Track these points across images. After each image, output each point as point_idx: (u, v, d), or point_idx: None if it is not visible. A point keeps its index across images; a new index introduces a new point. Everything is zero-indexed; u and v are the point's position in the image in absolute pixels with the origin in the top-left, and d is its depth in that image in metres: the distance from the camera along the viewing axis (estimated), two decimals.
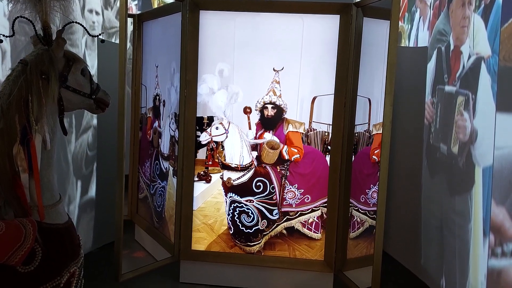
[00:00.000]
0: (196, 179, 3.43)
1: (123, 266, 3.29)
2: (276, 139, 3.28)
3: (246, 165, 3.34)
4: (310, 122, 3.27)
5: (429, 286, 3.34)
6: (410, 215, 3.71)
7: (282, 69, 3.24)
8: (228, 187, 3.39)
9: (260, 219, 3.36)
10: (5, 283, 1.81)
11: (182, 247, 3.47)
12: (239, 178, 3.36)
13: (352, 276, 3.34)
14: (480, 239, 2.64)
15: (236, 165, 3.36)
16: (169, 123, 3.68)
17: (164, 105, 3.77)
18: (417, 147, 3.59)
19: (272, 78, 3.25)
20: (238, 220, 3.39)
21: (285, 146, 3.28)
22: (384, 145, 2.83)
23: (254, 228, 3.38)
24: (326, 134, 3.27)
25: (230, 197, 3.39)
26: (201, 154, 3.42)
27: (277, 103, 3.27)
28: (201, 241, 3.46)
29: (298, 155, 3.27)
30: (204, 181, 3.43)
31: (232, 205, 3.39)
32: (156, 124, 3.89)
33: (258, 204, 3.35)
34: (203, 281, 3.51)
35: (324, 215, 3.32)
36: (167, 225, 3.72)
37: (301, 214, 3.34)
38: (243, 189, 3.37)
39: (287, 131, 3.28)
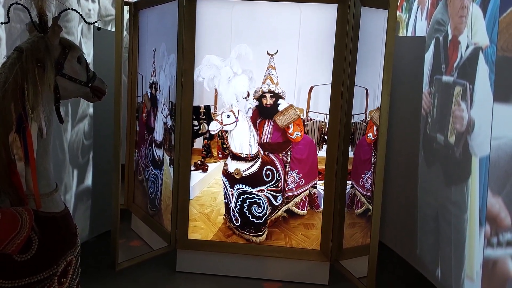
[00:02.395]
0: (192, 168, 3.42)
1: (120, 255, 3.29)
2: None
3: (255, 154, 3.32)
4: (307, 112, 3.26)
5: (425, 276, 3.36)
6: (406, 205, 3.72)
7: (276, 52, 3.21)
8: (237, 179, 3.36)
9: (268, 206, 3.36)
10: (1, 272, 1.80)
11: (178, 236, 3.47)
12: (248, 168, 3.33)
13: (348, 265, 3.36)
14: (476, 229, 2.65)
15: (246, 155, 3.33)
16: (161, 109, 3.66)
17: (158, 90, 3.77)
18: (414, 137, 3.58)
19: (267, 63, 3.23)
20: (247, 212, 3.37)
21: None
22: (381, 135, 2.83)
23: (264, 218, 3.38)
24: (323, 124, 3.27)
25: (239, 189, 3.36)
26: (198, 143, 3.42)
27: (276, 91, 3.25)
28: (197, 230, 3.46)
29: (300, 134, 3.26)
30: (200, 171, 3.42)
31: (241, 196, 3.37)
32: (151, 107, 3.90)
33: (268, 193, 3.35)
34: (199, 270, 3.52)
35: (312, 194, 3.34)
36: (164, 214, 3.72)
37: (296, 196, 3.36)
38: (254, 179, 3.34)
39: None
